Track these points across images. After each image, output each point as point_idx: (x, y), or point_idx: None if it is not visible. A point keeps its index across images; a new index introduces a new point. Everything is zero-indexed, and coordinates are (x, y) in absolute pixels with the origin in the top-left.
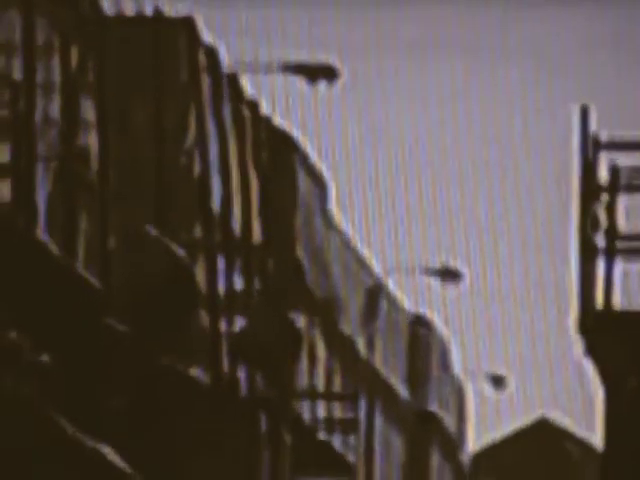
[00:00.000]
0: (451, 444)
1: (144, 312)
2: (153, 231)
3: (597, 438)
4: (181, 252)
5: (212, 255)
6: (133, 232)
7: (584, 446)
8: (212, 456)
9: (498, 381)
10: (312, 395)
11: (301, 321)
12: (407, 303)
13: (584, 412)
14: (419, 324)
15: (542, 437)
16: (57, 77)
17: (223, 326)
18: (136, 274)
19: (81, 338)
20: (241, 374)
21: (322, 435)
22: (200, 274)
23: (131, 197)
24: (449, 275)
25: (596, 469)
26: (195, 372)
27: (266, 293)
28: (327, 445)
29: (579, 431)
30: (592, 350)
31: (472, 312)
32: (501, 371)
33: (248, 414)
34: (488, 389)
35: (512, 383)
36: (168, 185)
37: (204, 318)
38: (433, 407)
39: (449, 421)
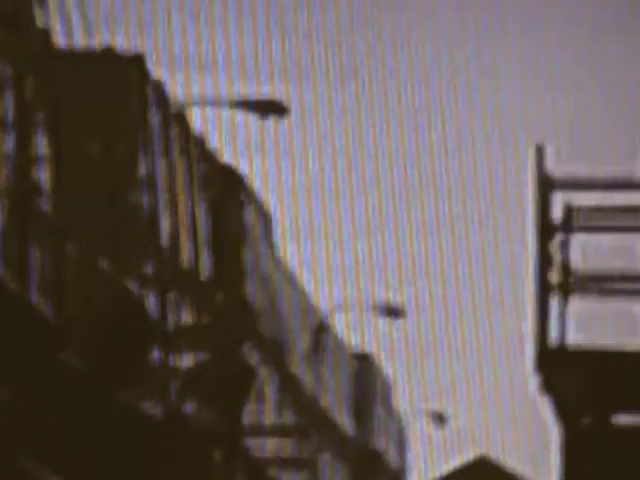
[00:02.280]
0: None
1: (97, 346)
2: (106, 265)
3: (539, 476)
4: (133, 286)
5: (162, 289)
6: (86, 266)
7: None
8: None
9: (441, 418)
10: (261, 431)
11: (251, 357)
12: (352, 340)
13: (534, 451)
14: (364, 361)
15: (482, 475)
16: (11, 112)
17: (175, 361)
18: (89, 308)
19: (35, 372)
20: (193, 409)
21: (271, 472)
22: (151, 308)
23: (85, 231)
24: (394, 313)
25: None
26: (148, 407)
27: (216, 328)
28: None
29: (520, 470)
30: (547, 388)
31: (417, 349)
32: (446, 408)
33: (201, 450)
34: (431, 426)
35: (456, 420)
36: (120, 220)
37: (156, 353)
38: (377, 444)
39: (392, 458)
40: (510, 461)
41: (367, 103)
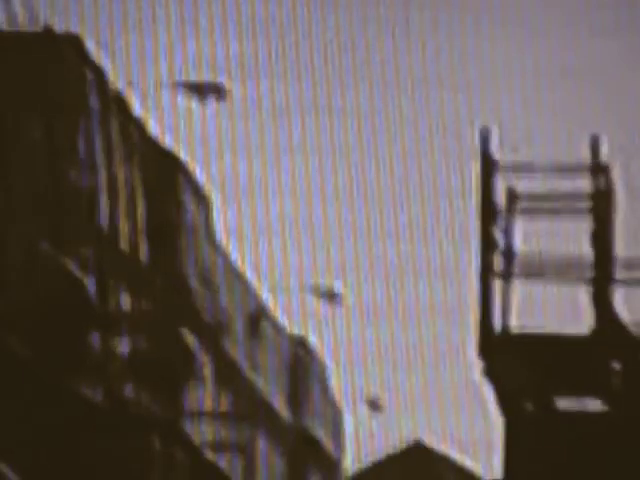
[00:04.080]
0: (330, 467)
1: (39, 330)
2: (47, 247)
3: (477, 463)
4: (75, 269)
5: (102, 272)
6: (27, 248)
7: (459, 471)
8: (107, 476)
9: (376, 405)
10: (199, 416)
11: (190, 341)
12: (290, 325)
13: (475, 438)
14: (301, 347)
15: (417, 461)
16: None
17: (115, 345)
18: (30, 290)
19: None
20: (133, 393)
21: (209, 456)
22: (91, 291)
23: (25, 213)
24: (333, 297)
25: None
26: (88, 391)
27: (155, 313)
28: (214, 466)
29: (456, 456)
30: (490, 373)
31: (357, 335)
32: (384, 395)
33: (141, 434)
34: (368, 413)
35: (393, 407)
36: (60, 201)
37: (96, 337)
38: (313, 430)
39: (328, 444)
40: (450, 448)
41: (302, 97)
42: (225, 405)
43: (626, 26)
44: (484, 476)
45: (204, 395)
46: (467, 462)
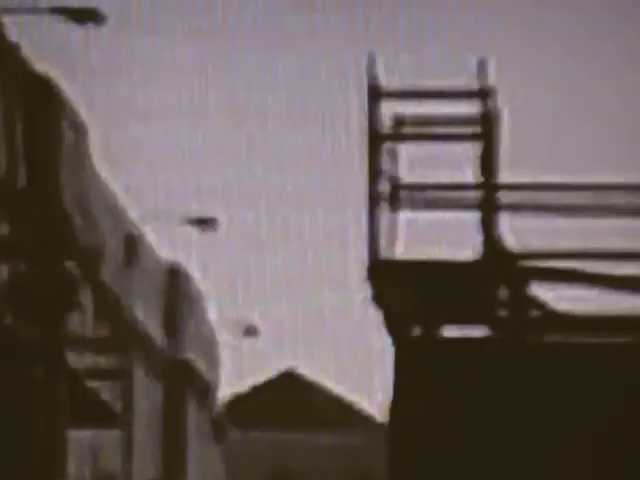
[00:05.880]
0: (205, 394)
1: None
2: None
3: (352, 389)
4: None
5: None
6: None
7: (329, 396)
8: None
9: (253, 331)
10: (79, 343)
11: (70, 269)
12: (164, 252)
13: (353, 369)
14: (175, 273)
15: (289, 389)
16: None
17: None
18: None
19: None
20: (15, 322)
21: (89, 384)
22: None
23: None
24: (207, 223)
25: (341, 419)
26: None
27: (35, 240)
28: (95, 394)
29: (330, 384)
30: (378, 300)
31: (234, 261)
32: (261, 321)
33: (24, 363)
34: (244, 339)
35: (270, 334)
36: None
37: None
38: (190, 357)
39: (203, 371)
40: (329, 376)
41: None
42: (104, 333)
43: None
44: (360, 402)
45: (84, 323)
46: (342, 389)
